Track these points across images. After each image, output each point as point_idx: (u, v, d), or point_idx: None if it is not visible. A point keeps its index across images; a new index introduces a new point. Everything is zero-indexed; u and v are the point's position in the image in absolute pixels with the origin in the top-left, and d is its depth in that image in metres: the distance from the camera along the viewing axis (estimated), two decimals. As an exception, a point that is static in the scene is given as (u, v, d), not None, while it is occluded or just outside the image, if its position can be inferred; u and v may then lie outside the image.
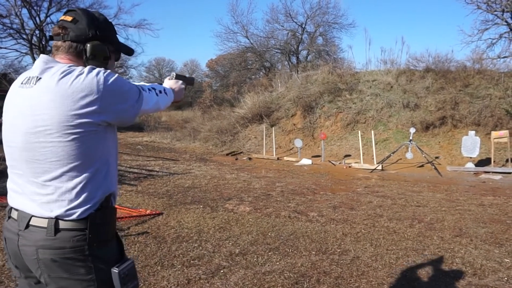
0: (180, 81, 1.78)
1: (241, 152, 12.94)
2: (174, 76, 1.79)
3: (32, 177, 1.29)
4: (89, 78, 1.23)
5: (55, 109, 1.20)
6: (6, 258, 3.21)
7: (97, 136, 1.27)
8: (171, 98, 1.66)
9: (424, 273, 3.34)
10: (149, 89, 1.46)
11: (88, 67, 1.28)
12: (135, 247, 3.77)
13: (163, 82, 1.76)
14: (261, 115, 14.38)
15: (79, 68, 1.27)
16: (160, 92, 1.54)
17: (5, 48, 21.00)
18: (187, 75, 1.89)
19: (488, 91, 11.95)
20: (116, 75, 1.31)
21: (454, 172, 9.45)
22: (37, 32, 21.25)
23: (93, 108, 1.22)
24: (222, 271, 3.28)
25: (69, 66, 1.28)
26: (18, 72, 20.65)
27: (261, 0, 44.85)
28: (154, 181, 7.40)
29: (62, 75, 1.23)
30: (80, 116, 1.21)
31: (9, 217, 1.38)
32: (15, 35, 20.91)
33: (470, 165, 9.64)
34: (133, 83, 1.44)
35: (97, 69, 1.27)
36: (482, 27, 17.90)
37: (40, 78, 1.26)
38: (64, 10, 1.58)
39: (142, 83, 1.56)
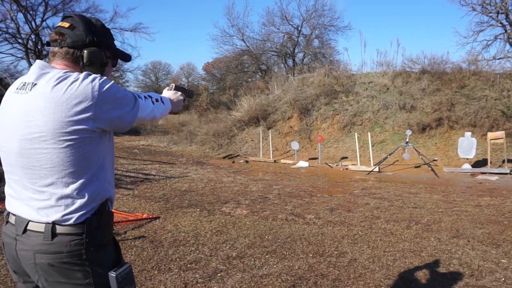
0: (179, 93, 1.77)
1: (238, 155, 12.93)
2: (173, 87, 1.77)
3: (28, 182, 1.29)
4: (83, 84, 1.22)
5: (49, 116, 1.20)
6: (4, 263, 3.21)
7: (92, 142, 1.27)
8: (168, 107, 1.64)
9: (422, 275, 3.35)
10: (145, 97, 1.45)
11: (83, 73, 1.27)
12: (132, 251, 3.76)
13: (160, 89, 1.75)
14: (257, 118, 14.40)
15: (75, 74, 1.26)
16: (157, 100, 1.53)
17: (0, 52, 21.01)
18: (187, 87, 1.88)
19: (484, 92, 12.02)
20: (112, 82, 1.30)
21: (450, 173, 9.48)
22: (32, 36, 21.18)
23: (88, 114, 1.22)
24: (219, 274, 3.27)
25: (65, 72, 1.27)
26: (14, 76, 20.55)
27: (257, 3, 45.10)
28: (151, 185, 7.38)
29: (57, 81, 1.23)
30: (75, 123, 1.21)
31: (7, 222, 1.38)
32: (11, 39, 20.84)
33: (466, 166, 9.68)
34: (129, 90, 1.44)
35: (92, 76, 1.26)
36: (477, 29, 18.10)
37: (35, 84, 1.25)
38: (60, 14, 1.58)
39: (138, 91, 1.55)
